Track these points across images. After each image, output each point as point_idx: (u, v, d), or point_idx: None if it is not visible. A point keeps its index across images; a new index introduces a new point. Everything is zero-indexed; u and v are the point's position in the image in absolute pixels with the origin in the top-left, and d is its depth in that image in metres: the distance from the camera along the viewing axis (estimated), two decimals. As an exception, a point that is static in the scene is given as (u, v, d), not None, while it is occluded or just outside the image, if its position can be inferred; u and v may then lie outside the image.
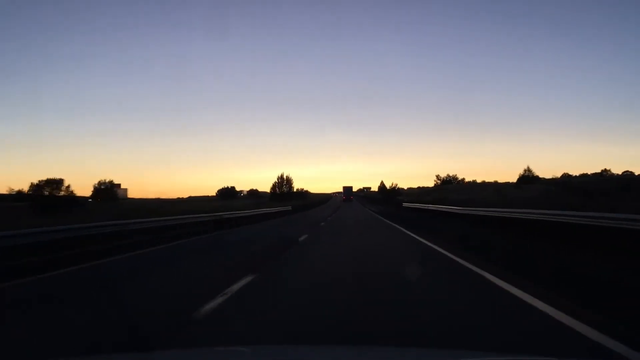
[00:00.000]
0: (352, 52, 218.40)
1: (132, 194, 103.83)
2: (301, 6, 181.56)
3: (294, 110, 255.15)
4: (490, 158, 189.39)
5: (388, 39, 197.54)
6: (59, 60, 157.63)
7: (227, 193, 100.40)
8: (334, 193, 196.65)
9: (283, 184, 71.82)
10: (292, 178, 73.09)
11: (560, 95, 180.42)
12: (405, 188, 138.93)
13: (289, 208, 46.23)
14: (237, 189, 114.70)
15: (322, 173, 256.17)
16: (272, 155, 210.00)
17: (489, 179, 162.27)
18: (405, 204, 45.42)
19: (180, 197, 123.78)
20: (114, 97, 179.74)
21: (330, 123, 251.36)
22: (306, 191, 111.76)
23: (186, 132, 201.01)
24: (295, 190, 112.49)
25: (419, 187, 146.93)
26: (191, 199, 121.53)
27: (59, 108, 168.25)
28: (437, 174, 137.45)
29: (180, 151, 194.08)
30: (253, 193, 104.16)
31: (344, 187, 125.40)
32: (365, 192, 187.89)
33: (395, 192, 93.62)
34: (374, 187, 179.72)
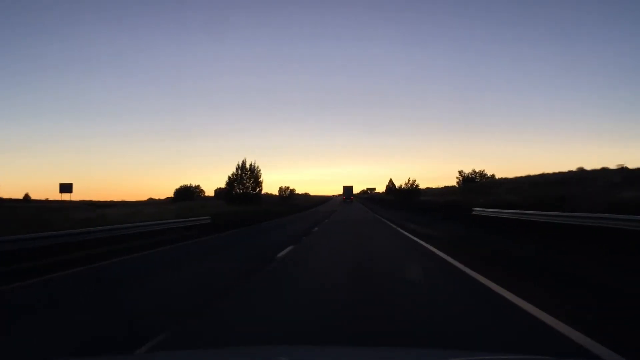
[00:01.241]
0: (353, 53, 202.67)
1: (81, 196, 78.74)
2: (303, 6, 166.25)
3: (295, 111, 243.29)
4: (498, 156, 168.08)
5: (389, 39, 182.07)
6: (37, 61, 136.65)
7: (185, 193, 74.44)
8: (334, 195, 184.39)
9: (244, 177, 45.88)
10: (260, 167, 47.36)
11: (553, 94, 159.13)
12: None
13: (207, 220, 20.09)
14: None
15: (323, 175, 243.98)
16: (272, 158, 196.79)
17: (501, 176, 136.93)
18: (477, 211, 19.25)
19: (140, 199, 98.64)
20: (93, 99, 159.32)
21: (332, 125, 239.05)
22: (292, 190, 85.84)
23: (182, 134, 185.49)
24: (289, 190, 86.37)
25: (427, 188, 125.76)
26: (150, 202, 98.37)
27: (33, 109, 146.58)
28: (460, 169, 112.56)
29: (177, 154, 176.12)
30: (219, 193, 77.93)
31: (344, 187, 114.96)
32: (369, 193, 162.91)
33: (414, 192, 67.46)
34: (379, 189, 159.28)
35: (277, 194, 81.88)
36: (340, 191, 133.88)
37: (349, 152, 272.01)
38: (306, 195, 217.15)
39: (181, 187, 75.74)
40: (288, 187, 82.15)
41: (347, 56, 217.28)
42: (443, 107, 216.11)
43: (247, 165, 45.97)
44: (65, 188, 66.79)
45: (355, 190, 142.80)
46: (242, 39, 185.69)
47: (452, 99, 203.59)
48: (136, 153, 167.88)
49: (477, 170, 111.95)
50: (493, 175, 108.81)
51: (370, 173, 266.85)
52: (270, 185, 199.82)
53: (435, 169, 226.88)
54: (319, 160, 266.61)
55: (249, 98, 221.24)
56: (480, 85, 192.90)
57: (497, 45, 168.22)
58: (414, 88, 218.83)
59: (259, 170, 46.48)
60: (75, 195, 72.16)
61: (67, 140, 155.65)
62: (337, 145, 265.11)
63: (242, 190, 45.60)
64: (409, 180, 70.08)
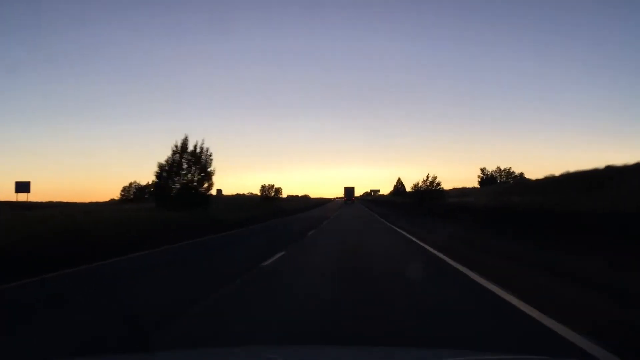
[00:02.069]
0: (356, 52, 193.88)
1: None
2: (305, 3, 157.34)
3: (297, 113, 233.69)
4: (505, 156, 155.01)
5: (391, 37, 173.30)
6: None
7: (142, 193, 58.13)
8: (335, 197, 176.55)
9: (180, 166, 29.23)
10: (210, 150, 30.69)
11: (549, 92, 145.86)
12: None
13: None
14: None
15: (324, 178, 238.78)
16: (271, 159, 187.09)
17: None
18: None
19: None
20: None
21: (334, 126, 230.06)
22: (278, 189, 69.42)
23: (180, 134, 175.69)
24: (273, 189, 69.64)
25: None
26: (111, 202, 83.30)
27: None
28: (482, 167, 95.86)
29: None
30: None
31: (345, 188, 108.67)
32: (373, 195, 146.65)
33: (436, 192, 50.84)
34: (383, 191, 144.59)
35: (260, 194, 65.64)
36: (341, 194, 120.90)
37: (352, 154, 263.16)
38: (305, 197, 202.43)
39: (131, 185, 59.11)
40: (273, 186, 65.74)
41: (349, 55, 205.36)
42: (448, 106, 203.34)
43: (190, 147, 29.57)
44: (22, 187, 54.18)
45: (358, 192, 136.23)
46: (241, 38, 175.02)
47: (458, 97, 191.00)
48: (123, 153, 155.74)
49: (502, 168, 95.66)
50: (522, 174, 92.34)
51: (374, 175, 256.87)
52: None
53: (439, 170, 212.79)
54: (320, 162, 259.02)
55: (248, 98, 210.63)
56: (485, 84, 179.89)
57: (493, 41, 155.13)
58: (418, 87, 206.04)
59: (210, 156, 30.04)
60: (39, 196, 57.52)
61: (44, 140, 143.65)
62: (339, 147, 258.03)
63: (182, 185, 29.10)
64: (427, 177, 53.09)
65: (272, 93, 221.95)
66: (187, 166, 29.65)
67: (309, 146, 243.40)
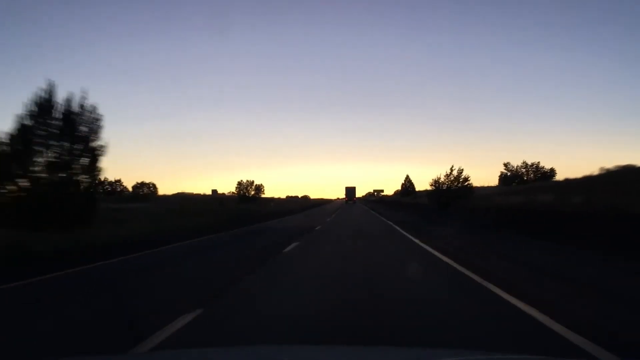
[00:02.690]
0: (356, 49, 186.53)
1: None
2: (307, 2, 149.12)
3: (298, 112, 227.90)
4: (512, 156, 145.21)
5: (390, 33, 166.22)
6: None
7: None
8: (337, 198, 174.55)
9: (45, 139, 16.72)
10: (101, 112, 18.18)
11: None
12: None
13: None
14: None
15: (326, 179, 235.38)
16: (274, 160, 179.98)
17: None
18: None
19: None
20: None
21: (336, 127, 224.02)
22: (259, 186, 56.35)
23: (181, 133, 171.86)
24: (253, 186, 55.66)
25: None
26: None
27: None
28: (506, 161, 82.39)
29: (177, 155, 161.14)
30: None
31: (346, 188, 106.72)
32: (376, 195, 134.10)
33: (463, 191, 37.68)
34: (387, 191, 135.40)
35: (236, 193, 52.66)
36: (343, 194, 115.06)
37: (353, 155, 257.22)
38: (305, 198, 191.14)
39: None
40: (252, 182, 52.73)
41: (351, 51, 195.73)
42: (453, 102, 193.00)
43: (58, 103, 16.46)
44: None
45: (361, 193, 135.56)
46: (240, 37, 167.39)
47: (464, 93, 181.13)
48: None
49: (528, 163, 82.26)
50: (552, 169, 79.19)
51: (377, 175, 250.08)
52: (271, 190, 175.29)
53: (446, 169, 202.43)
54: (321, 163, 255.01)
55: (248, 98, 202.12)
56: (497, 78, 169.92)
57: (494, 39, 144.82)
58: (423, 81, 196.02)
59: (97, 121, 16.88)
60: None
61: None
62: (340, 148, 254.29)
63: (36, 176, 15.97)
64: (451, 171, 39.71)
65: (270, 91, 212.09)
66: (58, 139, 16.55)
67: (309, 146, 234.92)
